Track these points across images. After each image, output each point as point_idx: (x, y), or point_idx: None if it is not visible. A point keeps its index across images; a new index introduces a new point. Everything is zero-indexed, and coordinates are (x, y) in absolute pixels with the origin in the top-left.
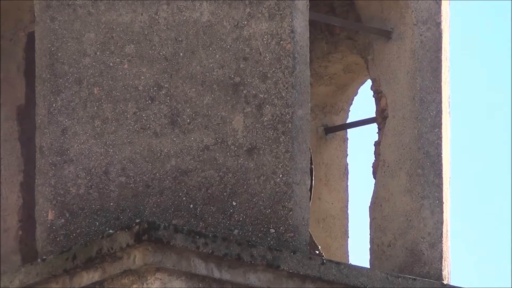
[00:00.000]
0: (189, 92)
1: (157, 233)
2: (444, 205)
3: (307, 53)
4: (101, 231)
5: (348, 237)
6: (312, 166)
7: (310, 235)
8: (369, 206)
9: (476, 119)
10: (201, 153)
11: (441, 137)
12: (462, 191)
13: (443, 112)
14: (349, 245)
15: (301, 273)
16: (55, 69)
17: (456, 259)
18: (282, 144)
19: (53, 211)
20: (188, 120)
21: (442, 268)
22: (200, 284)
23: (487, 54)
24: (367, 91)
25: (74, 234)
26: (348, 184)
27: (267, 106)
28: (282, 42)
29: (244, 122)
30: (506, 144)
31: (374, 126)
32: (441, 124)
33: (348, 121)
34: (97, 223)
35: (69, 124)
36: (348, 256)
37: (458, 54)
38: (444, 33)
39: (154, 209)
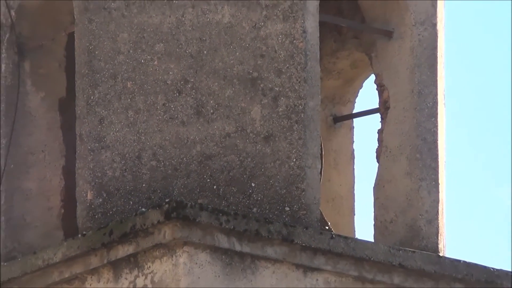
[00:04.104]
0: (212, 85)
1: (184, 211)
2: (439, 186)
3: (317, 50)
4: (134, 210)
5: (354, 214)
6: (322, 152)
7: (321, 212)
8: (373, 187)
9: (469, 110)
10: (223, 140)
11: (437, 126)
12: (456, 173)
13: (438, 103)
14: (355, 222)
15: (313, 246)
16: (93, 65)
17: (451, 234)
18: (296, 132)
19: (91, 192)
20: (212, 111)
21: (438, 242)
22: (223, 257)
23: (478, 51)
24: (371, 85)
25: (111, 212)
26: (354, 167)
27: (282, 98)
28: (295, 41)
29: (261, 112)
30: (495, 130)
31: (377, 116)
32: (437, 114)
33: (354, 111)
34: (131, 202)
35: (106, 114)
36: (354, 231)
37: (452, 51)
38: (439, 33)
39: (181, 190)
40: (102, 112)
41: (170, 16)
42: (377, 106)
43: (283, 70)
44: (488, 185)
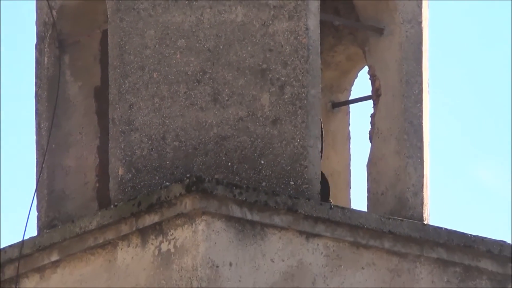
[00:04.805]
0: (227, 76)
1: (203, 185)
2: (424, 163)
3: (318, 45)
4: (159, 184)
5: (350, 188)
6: (322, 133)
7: (321, 186)
8: (367, 164)
9: (450, 96)
10: (236, 123)
11: (422, 110)
12: (438, 152)
13: (423, 91)
14: (351, 194)
15: (314, 215)
16: (124, 58)
17: (434, 204)
18: (299, 116)
19: (122, 168)
20: (226, 98)
21: (423, 212)
22: (236, 224)
23: (459, 44)
24: (365, 75)
25: (139, 186)
26: (350, 147)
27: (288, 86)
28: (299, 37)
29: (269, 99)
30: (472, 113)
31: (370, 102)
32: (422, 100)
33: (350, 98)
34: (157, 177)
35: (135, 101)
36: (350, 202)
37: (435, 46)
38: (424, 30)
39: (200, 167)
40: (132, 99)
41: (190, 16)
42: (370, 93)
43: (289, 63)
44: (466, 162)
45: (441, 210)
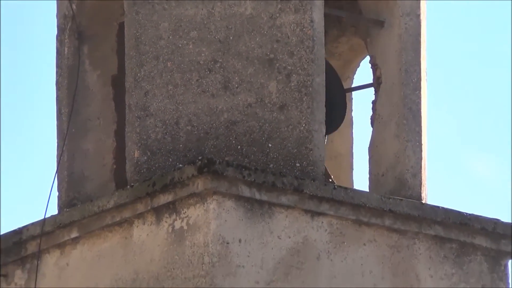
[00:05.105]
0: (237, 65)
1: (214, 167)
2: (422, 146)
3: (323, 37)
4: (173, 165)
5: (352, 169)
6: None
7: (325, 168)
8: (368, 147)
9: (447, 84)
10: (245, 109)
11: (420, 97)
12: (435, 136)
13: (422, 79)
14: (353, 175)
15: (319, 195)
16: (139, 49)
17: (432, 185)
18: (305, 102)
19: (138, 151)
20: (236, 85)
21: (421, 192)
22: (245, 204)
23: (455, 34)
24: (367, 64)
25: (154, 168)
26: (353, 131)
27: (294, 75)
28: (304, 29)
29: (277, 86)
30: (466, 101)
31: (371, 90)
32: (421, 87)
33: (353, 85)
34: (170, 160)
35: (150, 88)
36: (353, 183)
37: (433, 37)
38: (422, 22)
39: (211, 149)
40: (147, 87)
41: (202, 9)
42: (372, 81)
43: (295, 53)
44: (459, 146)
45: (438, 190)
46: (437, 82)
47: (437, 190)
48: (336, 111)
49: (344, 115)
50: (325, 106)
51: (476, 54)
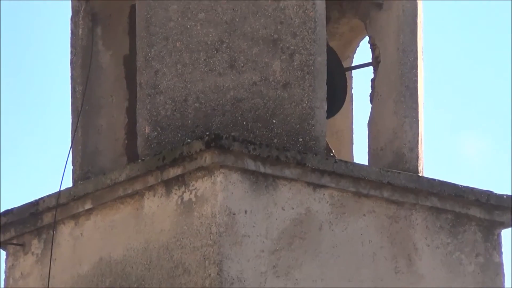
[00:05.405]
0: (243, 45)
1: (221, 142)
2: (419, 122)
3: (324, 18)
4: (182, 140)
5: (353, 144)
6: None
7: (327, 142)
8: (367, 123)
9: (442, 63)
10: (251, 87)
11: (417, 76)
12: (431, 112)
13: (418, 58)
14: (353, 150)
15: (321, 168)
16: (150, 29)
17: (428, 158)
18: (307, 80)
19: (149, 127)
20: (242, 64)
21: (418, 165)
22: (251, 177)
23: (454, 18)
24: (366, 44)
25: (163, 143)
26: (353, 108)
27: (297, 54)
28: (306, 11)
29: (280, 65)
30: (461, 78)
31: (370, 68)
32: (417, 66)
33: (353, 64)
34: (179, 135)
35: (160, 67)
36: (353, 157)
37: (428, 18)
38: (418, 4)
39: (218, 125)
40: (157, 66)
41: None
42: (371, 60)
43: (298, 33)
44: (454, 123)
45: (433, 163)
46: (434, 62)
47: (432, 165)
48: (337, 93)
49: (345, 97)
50: (327, 88)
51: (473, 36)
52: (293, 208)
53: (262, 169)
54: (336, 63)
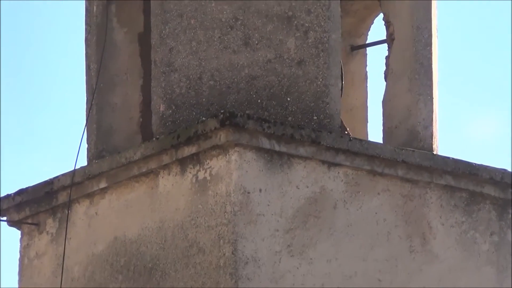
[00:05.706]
0: (257, 22)
1: (235, 120)
2: (433, 99)
3: None
4: (196, 119)
5: (367, 122)
6: (343, 73)
7: (341, 120)
8: (382, 101)
9: (456, 40)
10: (265, 64)
11: (431, 53)
12: (446, 89)
13: (432, 36)
14: (368, 128)
15: (335, 146)
16: (164, 7)
17: (442, 136)
18: (322, 58)
19: (163, 105)
20: (256, 42)
21: (433, 143)
22: (265, 155)
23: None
24: (380, 21)
25: (178, 121)
26: (367, 85)
27: (311, 32)
28: None
29: (295, 43)
30: (476, 56)
31: (385, 46)
32: (431, 43)
33: (367, 42)
34: (194, 113)
35: (174, 45)
36: (367, 135)
37: None
38: None
39: (233, 103)
40: (172, 43)
41: None
42: (385, 38)
43: (312, 10)
44: (468, 101)
45: (448, 141)
46: (449, 40)
47: (446, 143)
48: None
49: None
50: None
51: (487, 14)
52: (307, 187)
53: (276, 147)
54: None
